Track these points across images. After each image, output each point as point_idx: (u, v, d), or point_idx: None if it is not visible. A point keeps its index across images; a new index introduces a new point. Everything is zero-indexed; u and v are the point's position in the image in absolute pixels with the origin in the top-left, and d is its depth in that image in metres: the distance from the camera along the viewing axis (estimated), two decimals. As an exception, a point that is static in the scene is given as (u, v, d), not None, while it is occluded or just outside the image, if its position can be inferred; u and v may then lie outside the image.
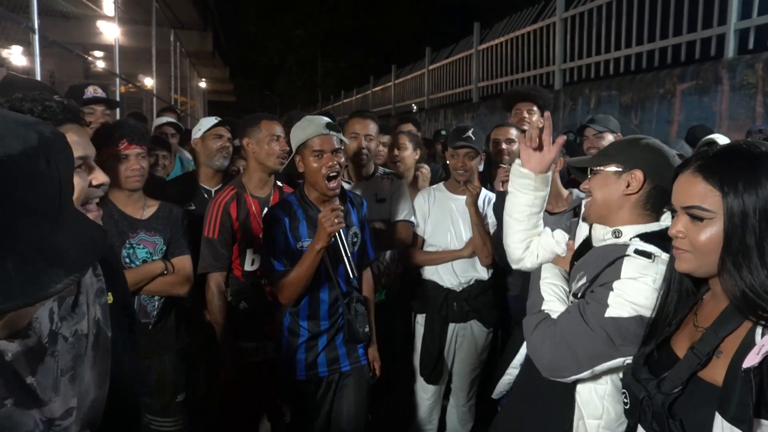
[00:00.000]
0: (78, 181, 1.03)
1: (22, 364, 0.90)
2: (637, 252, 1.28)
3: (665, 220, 1.38)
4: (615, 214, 1.40)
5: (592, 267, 1.37)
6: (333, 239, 1.94)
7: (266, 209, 2.30)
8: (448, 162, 2.60)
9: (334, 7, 23.41)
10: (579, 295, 1.39)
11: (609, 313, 1.25)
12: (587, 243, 1.49)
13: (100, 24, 7.96)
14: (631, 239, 1.34)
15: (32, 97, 1.05)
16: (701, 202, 1.00)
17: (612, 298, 1.26)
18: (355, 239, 2.15)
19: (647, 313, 1.21)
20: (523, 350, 1.67)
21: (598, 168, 1.42)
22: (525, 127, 2.82)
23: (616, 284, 1.27)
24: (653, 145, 1.41)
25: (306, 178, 2.06)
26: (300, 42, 24.60)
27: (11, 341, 0.82)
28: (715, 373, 0.97)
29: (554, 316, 1.39)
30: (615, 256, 1.32)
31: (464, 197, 2.47)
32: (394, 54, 17.04)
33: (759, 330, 0.93)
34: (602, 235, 1.42)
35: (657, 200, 1.37)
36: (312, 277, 1.97)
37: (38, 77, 3.56)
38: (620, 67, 4.81)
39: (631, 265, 1.28)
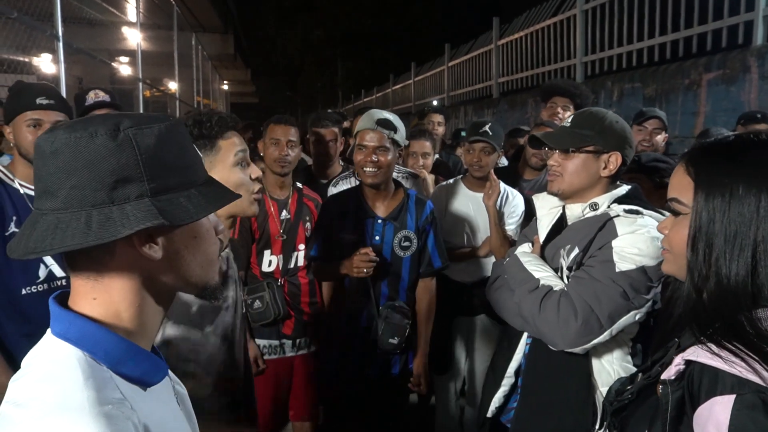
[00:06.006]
0: (242, 176, 1.31)
1: (203, 315, 1.22)
2: (626, 212, 1.41)
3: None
4: (590, 190, 1.52)
5: (580, 238, 1.46)
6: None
7: (283, 211, 2.34)
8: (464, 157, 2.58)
9: (353, 7, 23.43)
10: (575, 267, 1.45)
11: (618, 268, 1.34)
12: (559, 224, 1.59)
13: (125, 30, 8.13)
14: (609, 206, 1.46)
15: (209, 112, 1.35)
16: (679, 194, 0.90)
17: (616, 256, 1.35)
18: (407, 243, 2.08)
19: (649, 262, 1.33)
20: (517, 357, 1.65)
21: (574, 149, 1.50)
22: (555, 122, 2.78)
23: (615, 242, 1.37)
24: (623, 124, 1.52)
25: None
26: (320, 42, 24.71)
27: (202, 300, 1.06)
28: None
29: (556, 288, 1.42)
30: (602, 221, 1.43)
31: (481, 194, 2.43)
32: (414, 52, 16.99)
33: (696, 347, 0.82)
34: (580, 211, 1.53)
35: (621, 171, 1.53)
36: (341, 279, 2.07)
37: (63, 83, 3.65)
38: (643, 59, 4.69)
39: (624, 223, 1.39)
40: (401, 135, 2.05)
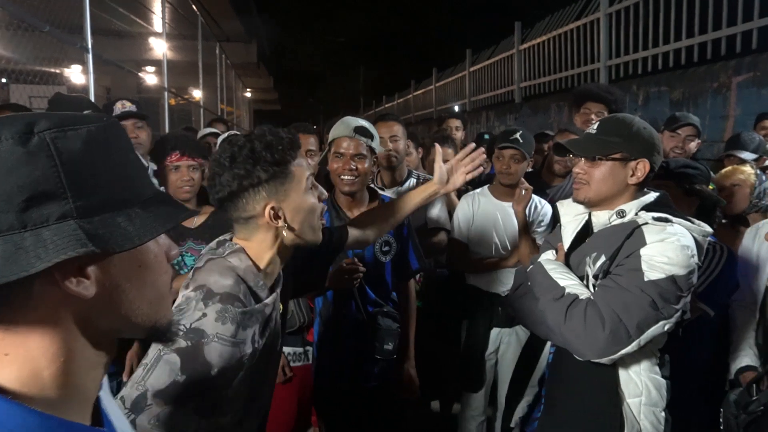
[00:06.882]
0: (314, 201, 1.21)
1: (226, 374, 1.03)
2: (655, 219, 1.38)
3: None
4: (617, 197, 1.48)
5: (607, 246, 1.43)
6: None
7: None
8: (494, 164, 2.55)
9: (375, 14, 23.57)
10: (601, 275, 1.42)
11: (647, 277, 1.31)
12: (584, 232, 1.56)
13: (151, 40, 8.31)
14: (637, 213, 1.43)
15: (276, 132, 1.16)
16: None
17: (645, 264, 1.33)
18: (387, 248, 2.06)
19: (679, 271, 1.30)
20: (540, 366, 1.63)
21: (601, 157, 1.48)
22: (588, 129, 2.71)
23: (643, 251, 1.34)
24: (651, 130, 1.49)
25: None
26: (342, 49, 24.92)
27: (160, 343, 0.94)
28: None
29: (583, 297, 1.39)
30: (630, 229, 1.39)
31: (509, 204, 2.39)
32: (435, 57, 16.99)
33: None
34: (607, 219, 1.49)
35: (649, 178, 1.49)
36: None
37: (92, 93, 3.74)
38: (669, 62, 4.60)
39: (653, 231, 1.36)
40: (377, 142, 2.03)
